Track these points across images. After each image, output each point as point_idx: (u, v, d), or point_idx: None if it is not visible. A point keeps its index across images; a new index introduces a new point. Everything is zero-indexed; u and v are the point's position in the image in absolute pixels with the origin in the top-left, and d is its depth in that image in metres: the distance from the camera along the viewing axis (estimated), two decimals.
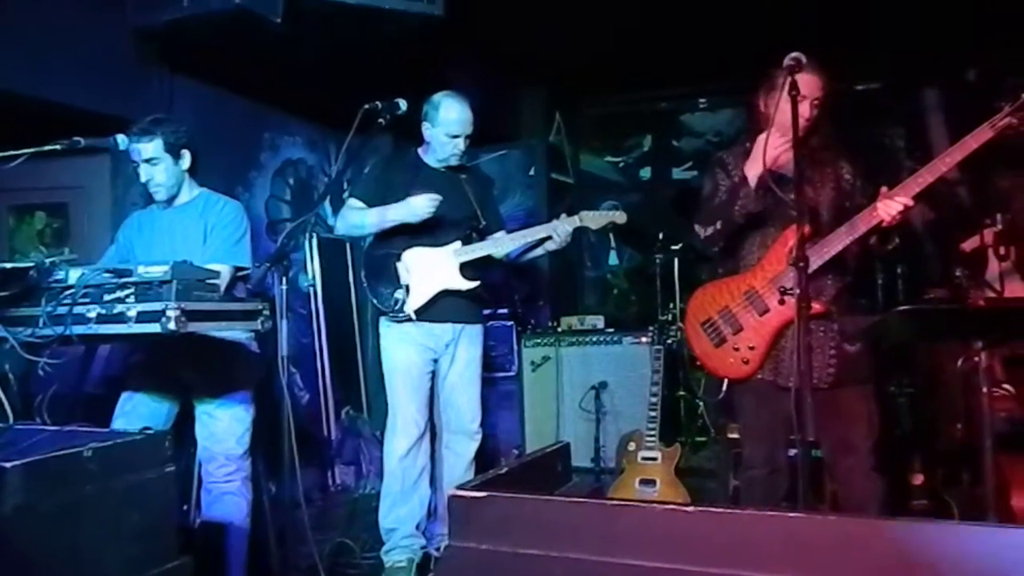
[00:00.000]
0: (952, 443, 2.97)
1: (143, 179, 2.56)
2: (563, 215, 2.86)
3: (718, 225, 2.32)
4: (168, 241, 2.59)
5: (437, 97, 2.84)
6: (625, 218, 2.87)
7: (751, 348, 2.26)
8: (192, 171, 2.63)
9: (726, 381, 2.50)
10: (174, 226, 2.61)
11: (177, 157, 2.56)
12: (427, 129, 2.87)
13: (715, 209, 2.34)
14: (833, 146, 2.31)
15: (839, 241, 2.15)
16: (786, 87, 1.98)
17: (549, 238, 2.85)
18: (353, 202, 2.88)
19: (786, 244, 2.21)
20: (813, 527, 0.88)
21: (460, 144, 2.85)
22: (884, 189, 2.10)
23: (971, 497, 2.78)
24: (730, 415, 3.05)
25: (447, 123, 2.81)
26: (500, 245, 2.89)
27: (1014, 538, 0.85)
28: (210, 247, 2.53)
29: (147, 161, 2.52)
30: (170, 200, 2.62)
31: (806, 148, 2.10)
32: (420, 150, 2.95)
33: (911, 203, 2.06)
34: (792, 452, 2.31)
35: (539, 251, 2.96)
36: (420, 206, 2.72)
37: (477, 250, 2.85)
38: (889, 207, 2.06)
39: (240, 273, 2.57)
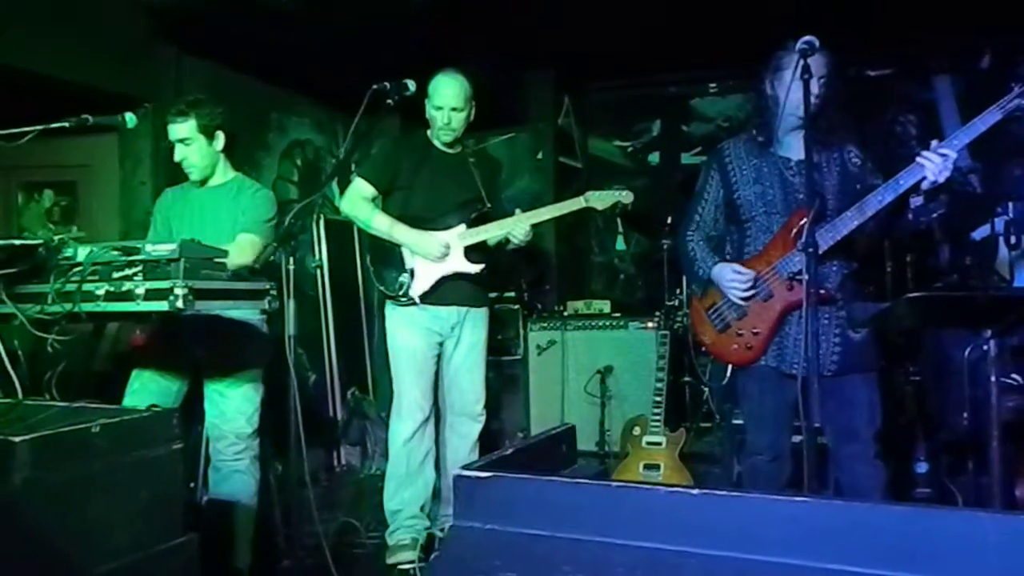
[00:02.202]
0: (958, 432, 2.96)
1: (177, 158, 2.62)
2: (517, 210, 2.87)
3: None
4: (198, 220, 2.63)
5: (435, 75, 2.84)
6: (632, 197, 2.85)
7: (755, 333, 2.26)
8: (228, 153, 2.67)
9: (730, 367, 2.50)
10: (205, 206, 2.65)
11: (211, 138, 2.61)
12: (426, 106, 2.86)
13: (686, 264, 2.46)
14: (840, 129, 2.28)
15: (846, 225, 2.12)
16: (797, 69, 1.96)
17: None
18: (360, 182, 2.87)
19: (791, 229, 2.19)
20: (818, 511, 0.88)
21: (446, 117, 2.81)
22: (935, 142, 2.04)
23: (976, 486, 2.78)
24: (735, 401, 3.04)
25: (433, 95, 2.81)
26: (505, 228, 2.84)
27: (1020, 526, 0.85)
28: (240, 223, 2.58)
29: (181, 141, 2.58)
30: (203, 181, 2.66)
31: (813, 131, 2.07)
32: (429, 132, 2.93)
33: (953, 154, 2.00)
34: (796, 439, 2.31)
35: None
36: (432, 247, 2.75)
37: (482, 233, 2.84)
38: (929, 157, 2.00)
39: None
